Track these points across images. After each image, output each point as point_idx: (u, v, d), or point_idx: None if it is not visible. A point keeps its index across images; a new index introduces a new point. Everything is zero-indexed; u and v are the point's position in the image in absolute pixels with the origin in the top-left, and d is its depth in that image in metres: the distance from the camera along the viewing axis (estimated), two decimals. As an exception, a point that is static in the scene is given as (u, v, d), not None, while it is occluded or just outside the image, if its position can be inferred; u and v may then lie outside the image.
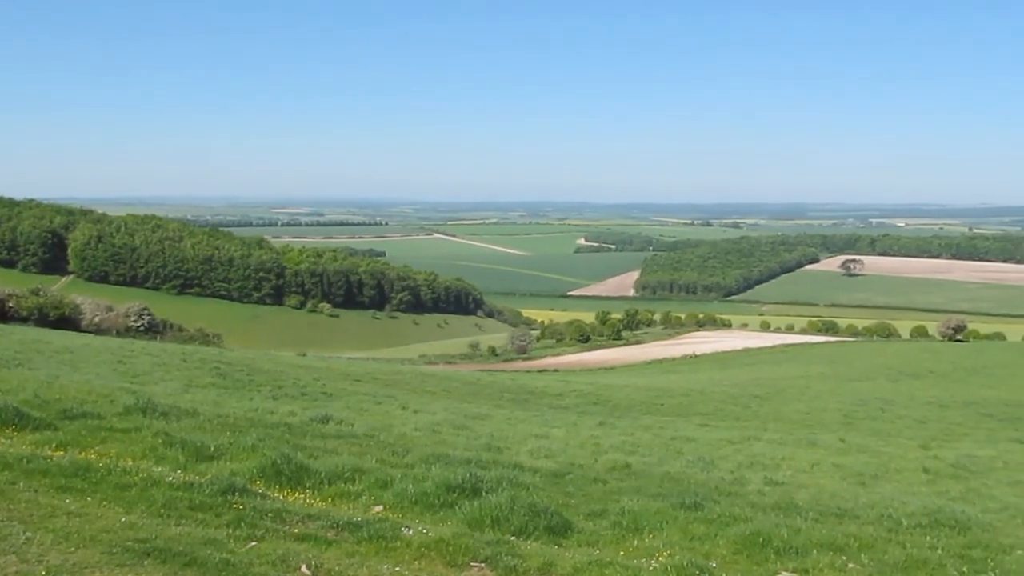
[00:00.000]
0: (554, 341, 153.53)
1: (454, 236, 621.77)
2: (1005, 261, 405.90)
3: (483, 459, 14.94)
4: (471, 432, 22.35)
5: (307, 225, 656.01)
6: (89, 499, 9.41)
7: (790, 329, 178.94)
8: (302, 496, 10.91)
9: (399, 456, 14.27)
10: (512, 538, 9.58)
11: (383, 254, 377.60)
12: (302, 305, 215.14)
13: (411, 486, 11.26)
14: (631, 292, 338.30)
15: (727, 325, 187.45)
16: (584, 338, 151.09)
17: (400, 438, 18.08)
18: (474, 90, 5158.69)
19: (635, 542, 10.05)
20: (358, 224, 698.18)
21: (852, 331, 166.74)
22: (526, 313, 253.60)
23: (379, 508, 10.64)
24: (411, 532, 9.18)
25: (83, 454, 11.57)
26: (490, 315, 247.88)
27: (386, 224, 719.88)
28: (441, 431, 21.67)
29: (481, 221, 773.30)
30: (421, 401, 35.36)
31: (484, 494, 11.13)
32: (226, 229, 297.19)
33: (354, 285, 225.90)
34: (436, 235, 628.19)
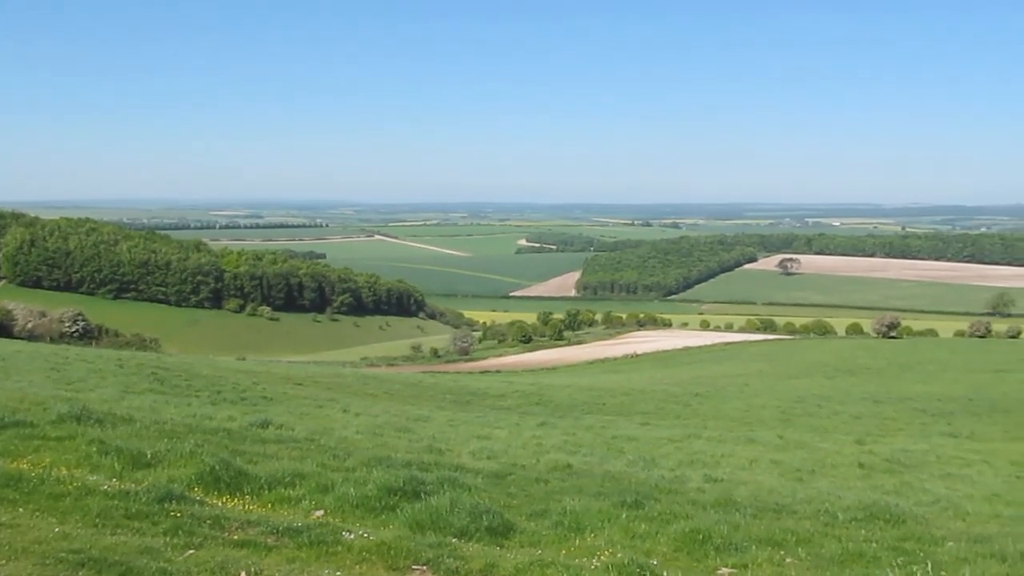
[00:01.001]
0: (496, 342, 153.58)
1: (395, 238, 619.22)
2: (937, 259, 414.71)
3: (425, 461, 14.92)
4: (413, 434, 22.28)
5: (246, 228, 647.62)
6: (21, 510, 9.22)
7: (729, 328, 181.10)
8: (241, 502, 10.79)
9: (340, 460, 14.17)
10: (454, 540, 9.58)
11: (323, 256, 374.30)
12: (242, 309, 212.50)
13: (352, 490, 11.19)
14: (572, 292, 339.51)
15: (667, 324, 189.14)
16: (526, 339, 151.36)
17: (341, 441, 17.96)
18: (414, 91, 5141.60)
19: (577, 541, 10.10)
20: (298, 226, 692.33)
21: (789, 329, 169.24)
22: (468, 314, 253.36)
23: (320, 513, 10.56)
24: (352, 536, 9.14)
25: (15, 464, 11.33)
26: (432, 317, 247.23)
27: (326, 226, 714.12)
28: (383, 434, 21.57)
29: (422, 222, 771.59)
30: (363, 404, 35.18)
31: (426, 496, 11.11)
32: (163, 232, 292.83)
33: (294, 288, 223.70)
34: (377, 237, 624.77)
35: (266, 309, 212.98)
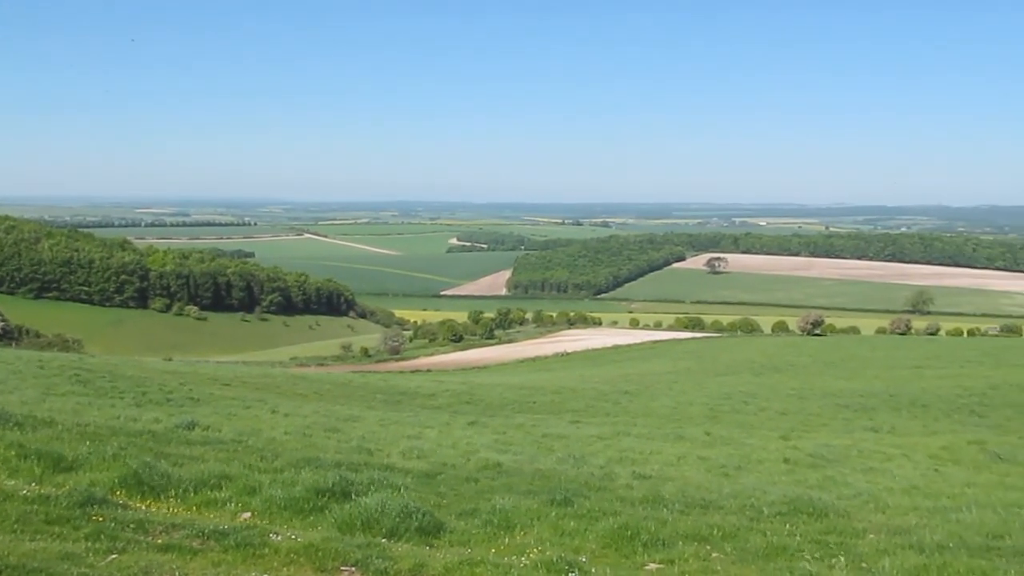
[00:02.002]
0: (427, 341, 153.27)
1: (325, 236, 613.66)
2: (859, 258, 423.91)
3: (354, 462, 14.85)
4: (343, 434, 22.14)
5: (172, 226, 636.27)
6: (-64, 517, 8.97)
7: (658, 326, 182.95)
8: (166, 505, 10.63)
9: (268, 461, 14.04)
10: (383, 540, 9.55)
11: (252, 255, 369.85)
12: (168, 308, 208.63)
13: (280, 491, 11.09)
14: (503, 291, 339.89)
15: (597, 323, 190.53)
16: (457, 338, 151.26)
17: (269, 442, 17.79)
18: (343, 89, 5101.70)
19: (506, 540, 10.13)
20: (226, 224, 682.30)
21: (717, 327, 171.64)
22: (399, 313, 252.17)
23: (247, 515, 10.45)
24: (280, 538, 9.05)
25: (-72, 469, 11.02)
26: (362, 316, 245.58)
27: (255, 224, 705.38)
28: (312, 434, 21.40)
29: (352, 221, 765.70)
30: (292, 404, 34.85)
31: (355, 497, 11.06)
32: (86, 230, 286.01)
33: (222, 287, 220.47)
34: (307, 235, 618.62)
35: (193, 309, 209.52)
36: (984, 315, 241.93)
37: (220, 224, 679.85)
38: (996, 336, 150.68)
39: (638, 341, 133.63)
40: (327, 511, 10.60)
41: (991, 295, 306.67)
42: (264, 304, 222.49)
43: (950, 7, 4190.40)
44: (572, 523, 10.90)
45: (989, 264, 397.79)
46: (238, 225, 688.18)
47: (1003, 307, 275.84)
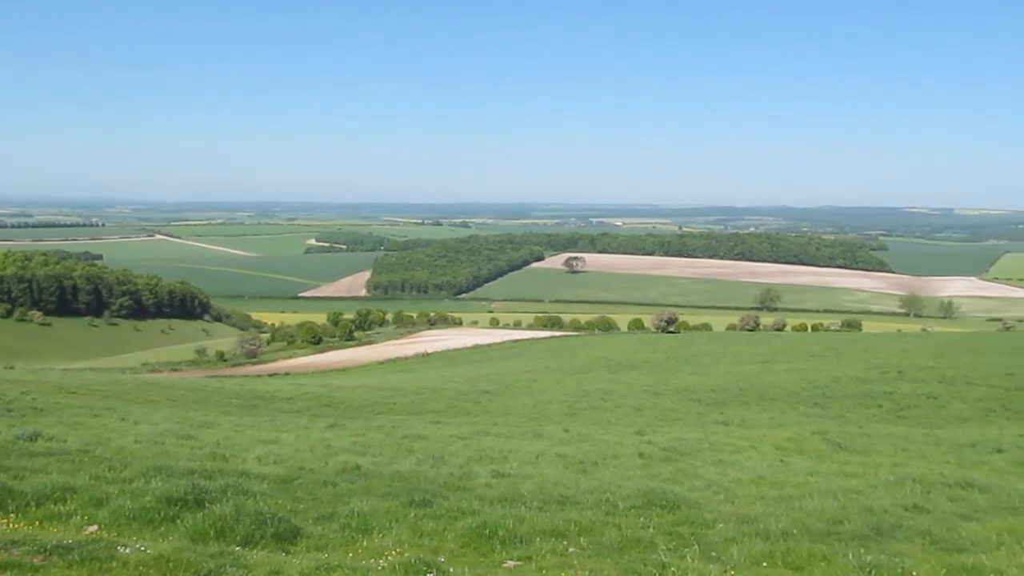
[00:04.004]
0: (285, 344, 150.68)
1: (178, 237, 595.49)
2: (711, 257, 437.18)
3: (208, 469, 14.49)
4: (196, 441, 21.56)
5: (13, 227, 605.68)
6: None
7: (518, 325, 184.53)
8: (6, 521, 10.16)
9: (116, 471, 13.58)
10: (238, 548, 9.38)
11: (100, 257, 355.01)
12: (9, 314, 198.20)
13: (129, 502, 10.77)
14: (363, 292, 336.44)
15: (458, 323, 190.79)
16: (316, 340, 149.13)
17: (118, 452, 17.19)
18: (194, 87, 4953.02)
19: (365, 543, 10.09)
20: (71, 225, 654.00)
21: (575, 326, 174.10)
22: (256, 316, 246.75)
23: (94, 528, 10.08)
24: (128, 551, 8.78)
25: None
26: (218, 319, 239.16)
27: (103, 225, 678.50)
28: (164, 442, 20.76)
29: (207, 222, 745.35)
30: (143, 411, 33.78)
31: (208, 505, 10.83)
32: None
33: (68, 291, 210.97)
34: (159, 236, 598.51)
35: (37, 314, 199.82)
36: (826, 311, 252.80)
37: (65, 225, 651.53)
38: (838, 331, 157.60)
39: (498, 341, 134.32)
40: (179, 521, 10.34)
41: (833, 292, 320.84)
42: (113, 308, 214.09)
43: (792, 11, 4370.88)
44: (431, 524, 10.93)
45: (831, 262, 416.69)
46: (85, 226, 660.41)
47: (844, 303, 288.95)
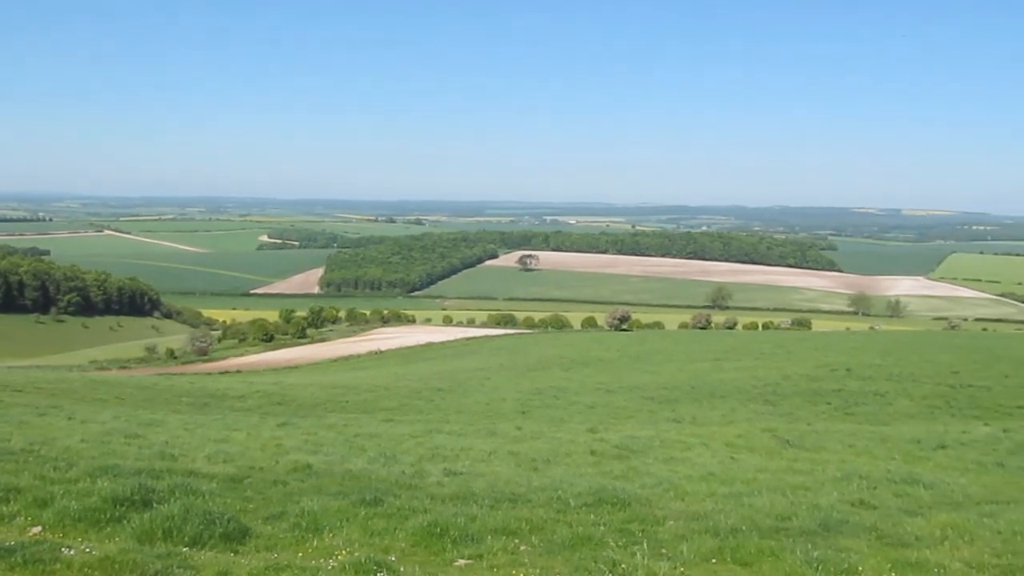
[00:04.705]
0: (236, 341, 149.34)
1: (128, 233, 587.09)
2: (663, 256, 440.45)
3: (156, 468, 14.33)
4: (144, 440, 21.29)
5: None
6: None
7: (471, 323, 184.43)
8: (-56, 524, 9.96)
9: (61, 471, 13.38)
10: (185, 549, 9.28)
11: (47, 253, 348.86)
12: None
13: (74, 502, 10.62)
14: (316, 289, 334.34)
15: (411, 321, 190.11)
16: (268, 337, 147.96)
17: (64, 451, 16.94)
18: (144, 80, 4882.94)
19: (315, 542, 10.04)
20: (17, 220, 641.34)
21: (529, 323, 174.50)
22: (207, 313, 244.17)
23: (37, 529, 9.92)
24: (73, 552, 8.64)
25: None
26: (168, 316, 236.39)
27: (50, 220, 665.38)
28: (111, 441, 20.47)
29: (157, 217, 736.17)
30: (90, 410, 33.30)
31: (156, 505, 10.72)
32: None
33: (14, 287, 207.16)
34: (108, 232, 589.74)
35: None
36: (777, 309, 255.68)
37: (12, 220, 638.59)
38: (788, 329, 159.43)
39: (452, 338, 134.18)
40: (125, 521, 10.21)
41: (783, 290, 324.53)
42: (61, 305, 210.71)
43: (746, 9, 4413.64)
44: (382, 523, 10.90)
45: (781, 261, 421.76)
46: (32, 221, 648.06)
47: (794, 302, 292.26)
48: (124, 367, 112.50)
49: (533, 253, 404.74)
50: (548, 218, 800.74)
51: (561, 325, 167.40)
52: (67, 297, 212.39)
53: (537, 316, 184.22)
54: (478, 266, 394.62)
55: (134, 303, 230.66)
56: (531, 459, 19.86)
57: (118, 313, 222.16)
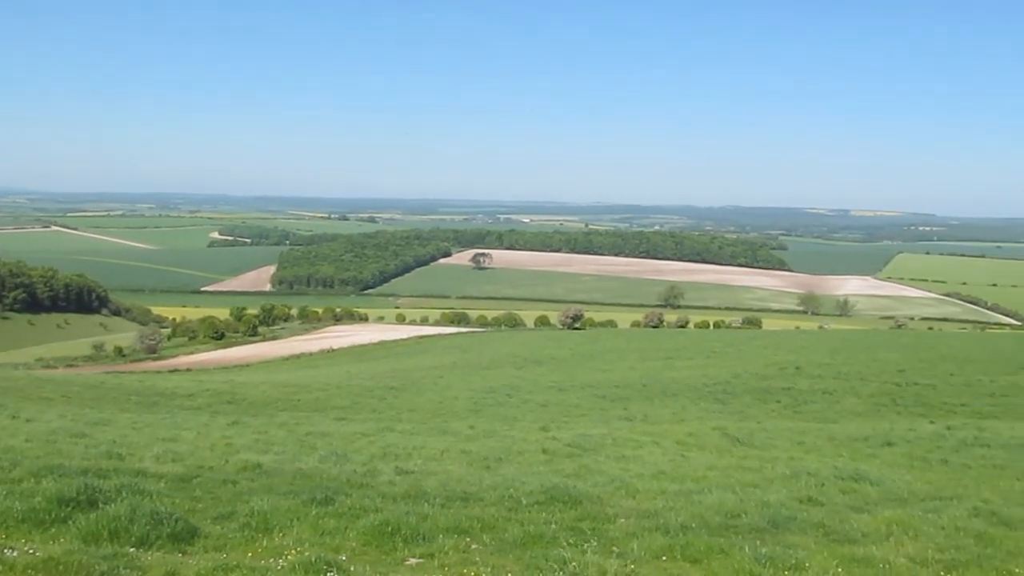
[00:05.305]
0: (186, 339, 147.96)
1: (75, 229, 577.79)
2: (616, 255, 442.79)
3: (103, 468, 14.13)
4: (91, 439, 21.00)
5: None
6: None
7: (425, 321, 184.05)
8: None
9: (5, 471, 13.18)
10: (132, 550, 9.16)
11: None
12: None
13: (18, 503, 10.43)
14: (268, 287, 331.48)
15: (364, 319, 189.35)
16: (219, 335, 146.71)
17: (7, 451, 16.67)
18: (91, 73, 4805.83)
19: (264, 542, 9.95)
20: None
21: (482, 322, 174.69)
22: (156, 311, 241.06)
23: (-21, 530, 9.73)
24: (16, 554, 8.49)
25: None
26: (117, 313, 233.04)
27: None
28: (57, 440, 20.17)
29: (105, 213, 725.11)
30: (36, 409, 32.79)
31: (102, 505, 10.56)
32: None
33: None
34: (55, 228, 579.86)
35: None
36: (728, 308, 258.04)
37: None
38: (738, 328, 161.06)
39: (405, 337, 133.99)
40: (71, 522, 10.04)
41: (734, 290, 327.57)
42: (6, 302, 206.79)
43: (692, 11, 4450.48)
44: (332, 522, 10.84)
45: (732, 261, 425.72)
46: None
47: (744, 301, 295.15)
48: (71, 365, 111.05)
49: (487, 251, 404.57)
50: (502, 216, 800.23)
51: (514, 324, 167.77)
52: (12, 294, 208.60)
53: (490, 314, 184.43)
54: (431, 264, 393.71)
55: (82, 300, 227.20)
56: (483, 457, 19.85)
57: (65, 311, 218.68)
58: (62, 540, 9.42)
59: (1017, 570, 9.75)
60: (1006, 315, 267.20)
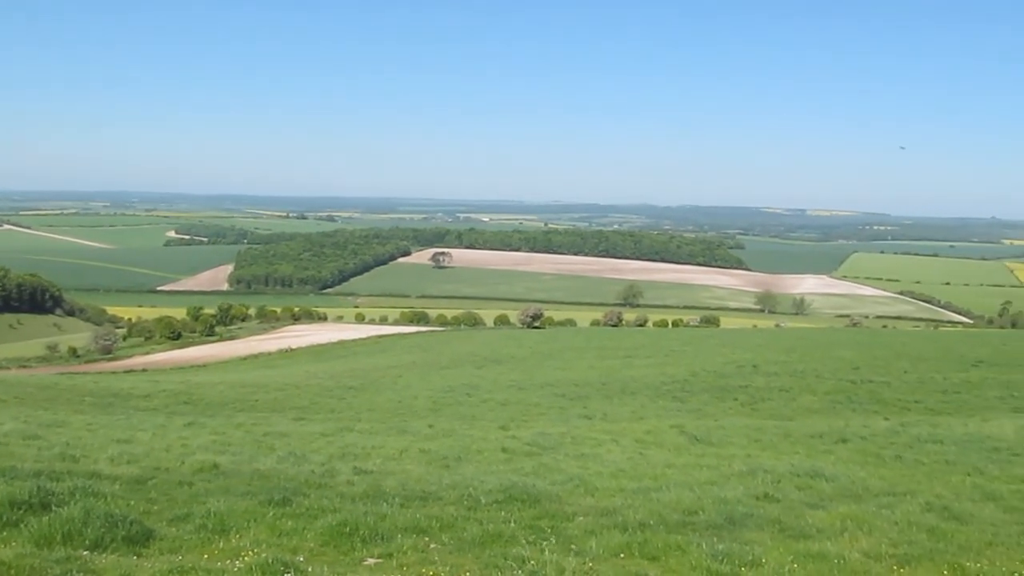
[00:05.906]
0: (142, 339, 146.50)
1: (28, 228, 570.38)
2: (575, 254, 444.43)
3: (56, 470, 13.93)
4: (44, 441, 20.68)
5: None
6: None
7: (384, 320, 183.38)
8: None
9: (-45, 474, 12.90)
10: (86, 553, 9.06)
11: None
12: None
13: (-32, 507, 10.25)
14: (225, 286, 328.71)
15: (323, 318, 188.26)
16: (175, 335, 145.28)
17: (-42, 453, 16.37)
18: (44, 67, 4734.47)
19: (221, 544, 9.88)
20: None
21: (442, 321, 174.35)
22: (111, 310, 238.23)
23: (-72, 535, 9.57)
24: (-34, 558, 8.37)
25: None
26: (71, 313, 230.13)
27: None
28: (8, 443, 19.85)
29: (59, 211, 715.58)
30: (-14, 411, 32.19)
31: (55, 508, 10.42)
32: None
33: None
34: (7, 226, 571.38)
35: None
36: (686, 307, 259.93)
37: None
38: (697, 327, 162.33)
39: (364, 336, 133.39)
40: (23, 525, 9.90)
41: (692, 288, 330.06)
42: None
43: (655, 9, 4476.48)
44: (290, 523, 10.79)
45: (691, 260, 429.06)
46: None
47: (703, 299, 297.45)
48: (24, 366, 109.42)
49: (446, 250, 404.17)
50: (461, 215, 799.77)
51: (474, 323, 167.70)
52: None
53: (450, 314, 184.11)
54: (391, 263, 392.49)
55: (35, 300, 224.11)
56: (442, 457, 19.83)
57: (17, 311, 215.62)
58: (14, 544, 9.29)
59: (968, 563, 9.92)
60: (959, 313, 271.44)
